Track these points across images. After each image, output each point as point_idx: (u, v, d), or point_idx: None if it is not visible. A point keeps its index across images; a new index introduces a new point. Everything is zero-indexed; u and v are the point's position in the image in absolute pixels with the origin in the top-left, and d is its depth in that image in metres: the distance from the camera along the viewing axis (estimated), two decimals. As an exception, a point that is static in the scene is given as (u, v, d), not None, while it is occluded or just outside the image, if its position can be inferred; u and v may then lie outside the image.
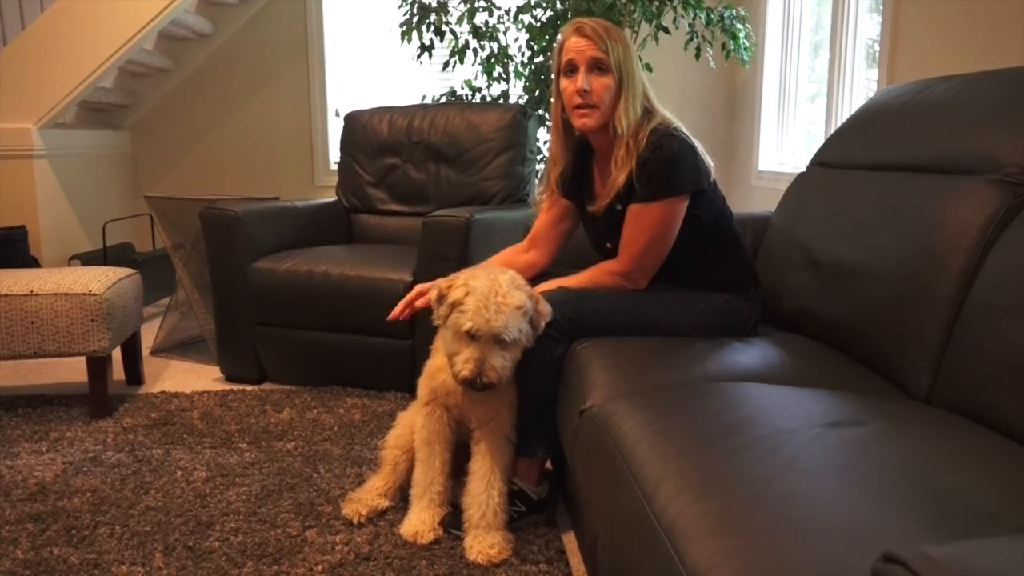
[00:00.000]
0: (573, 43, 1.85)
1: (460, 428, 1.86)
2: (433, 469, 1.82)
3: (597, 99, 1.84)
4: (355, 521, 1.87)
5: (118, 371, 2.93)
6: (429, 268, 2.55)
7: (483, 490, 1.74)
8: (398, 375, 2.73)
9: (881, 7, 2.93)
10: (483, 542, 1.70)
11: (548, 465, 1.96)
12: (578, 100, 1.85)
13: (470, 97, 3.94)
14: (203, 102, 4.83)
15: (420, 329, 2.60)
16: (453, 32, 3.74)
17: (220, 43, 4.75)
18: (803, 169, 2.25)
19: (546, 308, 1.71)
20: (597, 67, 1.83)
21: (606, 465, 1.29)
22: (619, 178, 1.84)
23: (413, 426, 1.89)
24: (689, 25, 3.63)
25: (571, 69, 1.86)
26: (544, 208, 2.08)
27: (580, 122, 1.88)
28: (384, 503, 1.92)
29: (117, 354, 2.87)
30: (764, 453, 1.11)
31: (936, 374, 1.45)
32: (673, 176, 1.80)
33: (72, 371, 3.09)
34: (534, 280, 2.00)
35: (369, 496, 1.92)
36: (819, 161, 2.18)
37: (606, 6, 3.35)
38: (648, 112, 1.87)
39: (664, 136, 1.80)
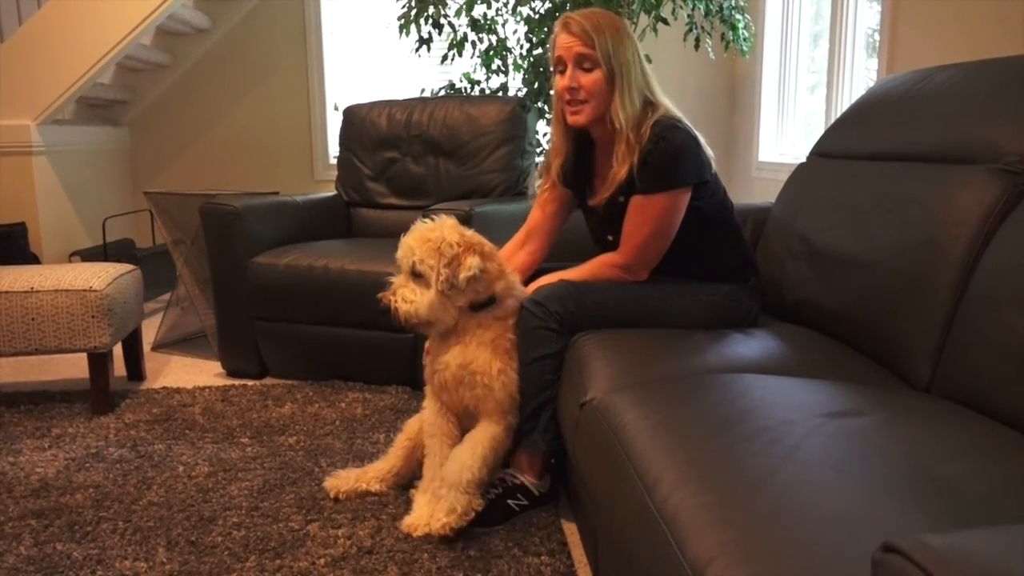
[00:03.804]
0: (561, 40, 1.84)
1: (463, 421, 1.87)
2: (434, 463, 1.84)
3: (586, 95, 1.83)
4: (332, 496, 1.92)
5: (119, 367, 2.93)
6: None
7: (465, 448, 1.77)
8: (399, 369, 2.73)
9: (881, -4, 2.92)
10: (440, 507, 1.70)
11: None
12: (567, 96, 1.85)
13: (469, 90, 3.94)
14: (202, 97, 4.82)
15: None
16: (451, 25, 3.73)
17: (218, 38, 4.75)
18: (803, 160, 2.24)
19: (468, 262, 1.72)
20: (584, 63, 1.82)
21: (607, 457, 1.29)
22: (620, 172, 1.83)
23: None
24: (688, 16, 3.62)
25: (561, 66, 1.86)
26: (542, 200, 2.08)
27: (571, 119, 1.88)
28: (373, 486, 1.95)
29: (118, 350, 2.87)
30: (765, 444, 1.11)
31: (936, 364, 1.45)
32: (676, 168, 1.80)
33: (73, 367, 3.10)
34: (534, 274, 2.00)
35: (354, 476, 1.95)
36: (819, 152, 2.18)
37: (604, -3, 3.34)
38: (651, 104, 1.85)
39: (668, 128, 1.79)
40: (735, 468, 1.06)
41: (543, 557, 1.68)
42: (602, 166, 1.95)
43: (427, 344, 1.94)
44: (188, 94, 4.83)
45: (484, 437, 1.78)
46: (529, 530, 1.79)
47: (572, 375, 1.67)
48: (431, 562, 1.65)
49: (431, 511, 1.77)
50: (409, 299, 1.75)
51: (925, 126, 1.73)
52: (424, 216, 1.87)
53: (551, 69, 1.93)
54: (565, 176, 2.02)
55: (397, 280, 1.79)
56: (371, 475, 1.96)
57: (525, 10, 3.69)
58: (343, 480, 1.95)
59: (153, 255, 4.13)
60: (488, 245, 1.82)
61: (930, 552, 0.56)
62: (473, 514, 1.72)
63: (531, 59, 3.74)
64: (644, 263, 1.87)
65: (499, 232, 2.37)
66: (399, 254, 1.78)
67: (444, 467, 1.77)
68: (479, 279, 1.74)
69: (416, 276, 1.76)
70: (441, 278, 1.72)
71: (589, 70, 1.82)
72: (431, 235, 1.75)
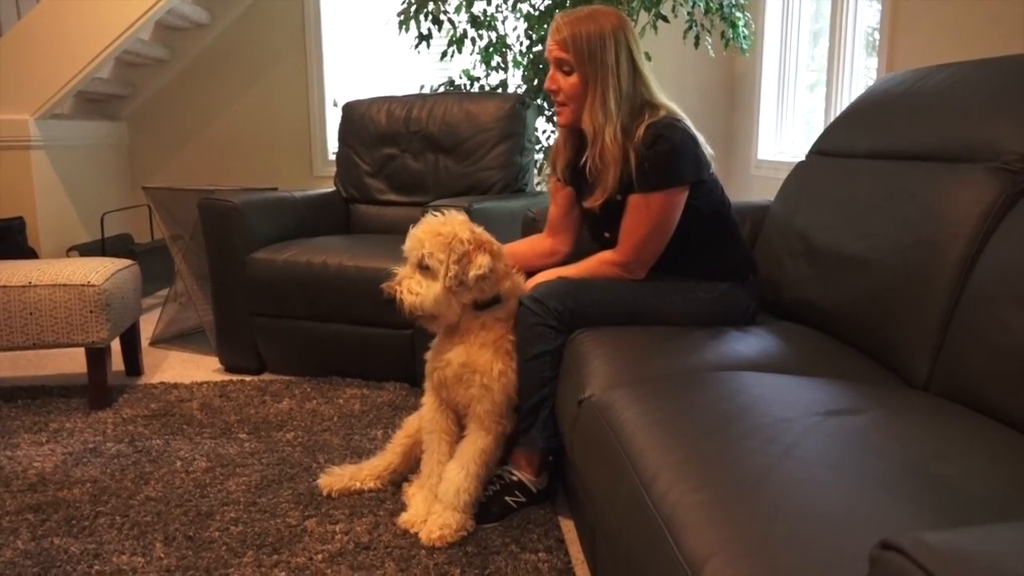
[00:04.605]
0: (549, 40, 1.88)
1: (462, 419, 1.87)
2: (432, 460, 1.84)
3: (565, 97, 1.87)
4: (325, 493, 1.92)
5: (117, 362, 2.93)
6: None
7: (456, 468, 1.76)
8: (398, 365, 2.73)
9: (881, -5, 2.91)
10: (435, 521, 1.71)
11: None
12: (553, 97, 1.90)
13: (468, 87, 3.93)
14: (200, 92, 4.81)
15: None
16: (451, 21, 3.72)
17: (217, 33, 4.73)
18: (802, 158, 2.24)
19: (479, 260, 1.72)
20: (563, 67, 1.85)
21: (605, 454, 1.29)
22: (608, 179, 1.83)
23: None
24: (688, 13, 3.62)
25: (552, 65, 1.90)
26: (553, 195, 2.09)
27: (558, 118, 1.93)
28: (368, 484, 1.95)
29: (116, 345, 2.87)
30: (762, 442, 1.11)
31: (934, 362, 1.46)
32: (674, 166, 1.80)
33: (71, 362, 3.10)
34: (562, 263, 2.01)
35: (348, 474, 1.95)
36: (818, 150, 2.18)
37: (604, -6, 3.33)
38: (648, 106, 1.84)
39: (665, 127, 1.79)
40: (733, 465, 1.06)
41: (540, 554, 1.68)
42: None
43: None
44: (187, 89, 4.82)
45: (474, 453, 1.77)
46: (527, 527, 1.79)
47: (570, 372, 1.67)
48: (428, 558, 1.65)
49: (428, 508, 1.77)
50: (415, 291, 1.75)
51: (924, 125, 1.73)
52: (433, 210, 1.86)
53: None
54: (566, 174, 2.02)
55: (403, 271, 1.79)
56: (366, 473, 1.96)
57: (525, 7, 3.68)
58: (337, 478, 1.95)
59: (151, 250, 4.12)
60: (496, 244, 1.82)
61: (928, 549, 0.56)
62: (465, 532, 1.73)
63: (531, 56, 3.73)
64: (642, 262, 1.87)
65: (497, 229, 2.37)
66: (407, 245, 1.78)
67: (439, 487, 1.76)
68: (487, 278, 1.74)
69: (423, 269, 1.75)
70: (450, 274, 1.71)
71: (568, 73, 1.85)
72: (442, 229, 1.75)
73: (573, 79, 1.84)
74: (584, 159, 1.89)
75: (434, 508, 1.75)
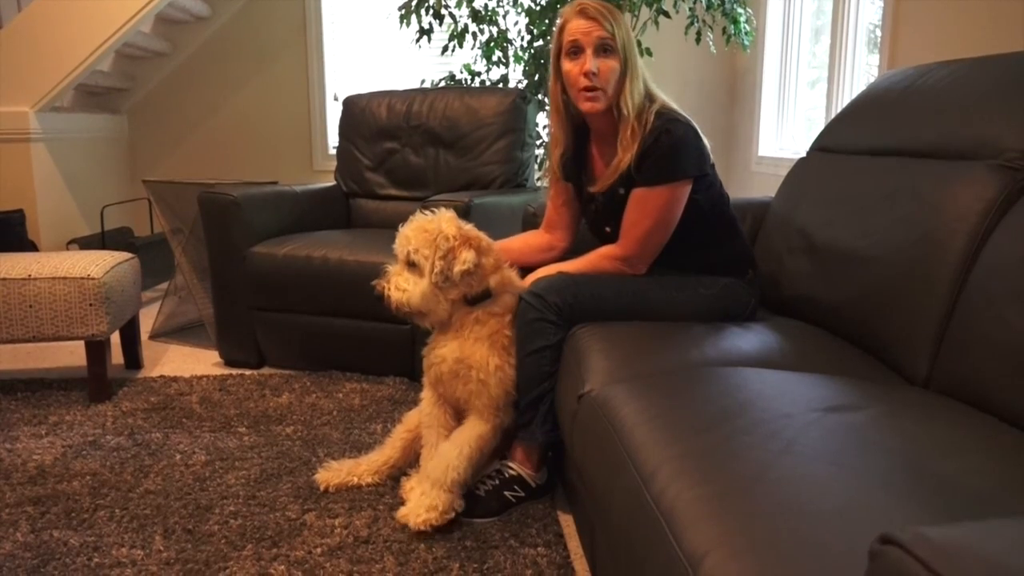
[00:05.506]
0: (577, 24, 1.82)
1: (459, 414, 1.88)
2: (431, 455, 1.85)
3: (603, 81, 1.81)
4: (323, 489, 1.92)
5: (117, 355, 2.92)
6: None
7: (450, 447, 1.77)
8: (397, 360, 2.73)
9: (883, -9, 2.91)
10: (422, 503, 1.71)
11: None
12: (584, 83, 1.81)
13: (469, 81, 3.93)
14: (201, 86, 4.81)
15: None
16: (452, 16, 3.72)
17: (218, 26, 4.73)
18: (803, 154, 2.24)
19: (463, 255, 1.73)
20: (603, 48, 1.81)
21: (604, 449, 1.29)
22: (625, 158, 1.82)
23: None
24: (690, 9, 3.61)
25: (575, 51, 1.83)
26: (552, 196, 2.09)
27: (587, 106, 1.84)
28: (365, 479, 1.95)
29: (116, 338, 2.87)
30: (762, 437, 1.11)
31: (934, 359, 1.46)
32: (678, 160, 1.80)
33: (71, 355, 3.10)
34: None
35: (346, 470, 1.95)
36: (819, 146, 2.18)
37: (606, -10, 3.33)
38: (649, 95, 1.86)
39: (669, 121, 1.80)
40: (732, 461, 1.06)
41: (539, 548, 1.68)
42: (602, 154, 1.95)
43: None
44: (187, 83, 4.81)
45: (471, 436, 1.78)
46: (526, 521, 1.79)
47: (570, 367, 1.67)
48: (427, 552, 1.65)
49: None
50: (402, 287, 1.78)
51: (925, 122, 1.73)
52: (423, 208, 1.87)
53: (553, 56, 1.91)
54: (564, 168, 2.02)
55: (393, 268, 1.82)
56: (364, 468, 1.96)
57: (526, 1, 3.68)
58: (334, 473, 1.95)
59: (151, 244, 4.12)
60: (485, 240, 1.82)
61: (928, 544, 0.56)
62: (453, 513, 1.73)
63: (532, 51, 3.73)
64: (644, 256, 1.87)
65: (498, 224, 2.38)
66: (396, 243, 1.81)
67: (430, 464, 1.77)
68: (473, 273, 1.75)
69: (411, 266, 1.78)
70: (435, 269, 1.73)
71: (607, 56, 1.81)
72: (428, 226, 1.77)
73: (613, 61, 1.81)
74: (583, 149, 1.88)
75: (422, 486, 1.75)
